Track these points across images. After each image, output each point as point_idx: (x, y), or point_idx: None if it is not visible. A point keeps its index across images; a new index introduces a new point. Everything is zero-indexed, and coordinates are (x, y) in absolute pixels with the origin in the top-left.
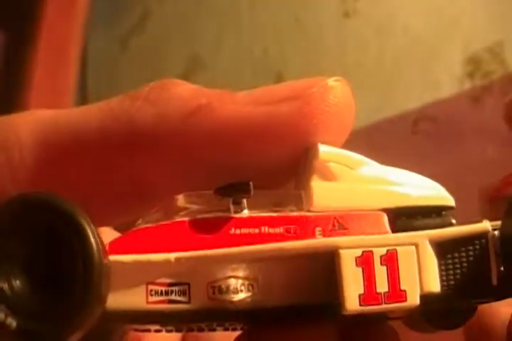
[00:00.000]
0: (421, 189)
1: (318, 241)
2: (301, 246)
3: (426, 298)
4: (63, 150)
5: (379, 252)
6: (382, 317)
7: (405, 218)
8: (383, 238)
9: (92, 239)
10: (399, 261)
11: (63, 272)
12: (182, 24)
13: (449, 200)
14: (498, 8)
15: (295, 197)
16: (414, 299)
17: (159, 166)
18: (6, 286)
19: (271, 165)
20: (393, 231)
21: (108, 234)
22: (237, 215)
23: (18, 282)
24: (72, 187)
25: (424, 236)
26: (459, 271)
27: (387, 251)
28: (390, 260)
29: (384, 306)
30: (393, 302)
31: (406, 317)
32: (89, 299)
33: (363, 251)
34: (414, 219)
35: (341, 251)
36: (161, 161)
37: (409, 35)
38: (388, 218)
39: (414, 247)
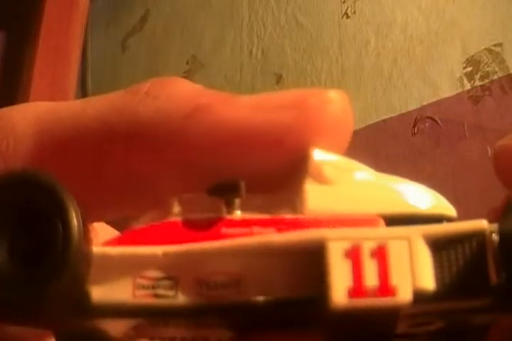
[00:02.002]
0: (421, 197)
1: (307, 232)
2: (290, 237)
3: (419, 295)
4: (60, 141)
5: (369, 245)
6: (387, 335)
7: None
8: (374, 231)
9: (74, 219)
10: (390, 255)
11: (44, 247)
12: (182, 24)
13: (450, 210)
14: (498, 8)
15: (289, 200)
16: (405, 295)
17: (156, 162)
18: None
19: (266, 170)
20: None
21: (101, 229)
22: (229, 216)
23: None
24: (67, 179)
25: (417, 231)
26: (455, 269)
27: (377, 244)
28: (381, 254)
29: (374, 301)
30: (383, 297)
31: (411, 337)
32: (63, 276)
33: (352, 244)
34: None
35: (329, 243)
36: (158, 157)
37: (409, 35)
38: (385, 225)
39: (406, 242)
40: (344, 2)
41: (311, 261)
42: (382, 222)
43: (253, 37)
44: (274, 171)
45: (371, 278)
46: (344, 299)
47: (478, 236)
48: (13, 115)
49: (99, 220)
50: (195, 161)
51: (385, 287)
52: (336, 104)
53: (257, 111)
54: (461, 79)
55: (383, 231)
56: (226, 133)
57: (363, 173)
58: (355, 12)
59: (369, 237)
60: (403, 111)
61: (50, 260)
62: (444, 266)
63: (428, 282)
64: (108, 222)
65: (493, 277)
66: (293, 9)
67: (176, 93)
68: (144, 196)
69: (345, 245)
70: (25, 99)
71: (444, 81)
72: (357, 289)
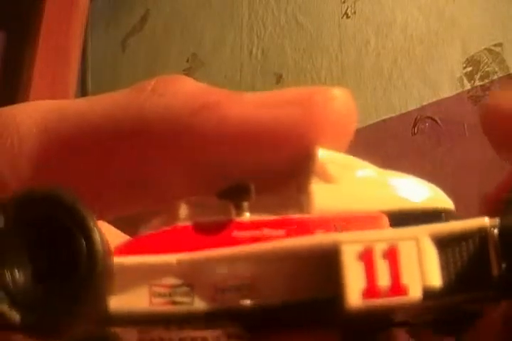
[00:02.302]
0: (420, 192)
1: (320, 237)
2: (303, 242)
3: (427, 292)
4: (65, 139)
5: (380, 247)
6: (387, 324)
7: (405, 221)
8: (384, 233)
9: (97, 236)
10: (400, 256)
11: (67, 266)
12: (182, 24)
13: (448, 203)
14: (498, 8)
15: (296, 200)
16: (416, 293)
17: (162, 159)
18: (8, 278)
19: (271, 168)
20: None
21: (102, 228)
22: (239, 218)
23: (21, 274)
24: (72, 177)
25: (424, 231)
26: (459, 265)
27: (388, 245)
28: (391, 254)
29: (386, 300)
30: (395, 296)
31: (409, 324)
32: (89, 294)
33: (364, 246)
34: (414, 222)
35: (342, 246)
36: (164, 154)
37: (409, 35)
38: (388, 221)
39: (415, 242)
40: (344, 2)
41: (325, 264)
42: (385, 218)
43: (253, 37)
44: (279, 169)
45: (383, 279)
46: (359, 300)
47: (481, 233)
48: (16, 114)
49: (103, 219)
50: (201, 159)
51: (396, 286)
52: (340, 101)
53: (263, 108)
54: (461, 79)
55: (393, 232)
56: (233, 129)
57: (365, 170)
58: (355, 12)
59: (380, 239)
60: (403, 111)
61: (77, 279)
62: (449, 262)
63: (435, 279)
64: (109, 221)
65: (495, 270)
66: (293, 9)
67: (182, 90)
68: (149, 194)
69: (358, 248)
70: (25, 99)
71: (444, 81)
72: (370, 290)
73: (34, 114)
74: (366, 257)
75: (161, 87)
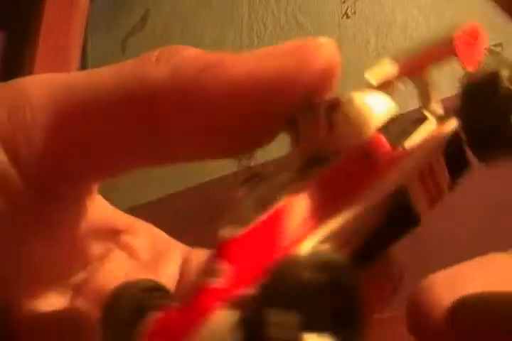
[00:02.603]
0: (390, 104)
1: (390, 184)
2: (381, 193)
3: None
4: (76, 108)
5: (425, 168)
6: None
7: (393, 128)
8: (421, 154)
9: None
10: (435, 170)
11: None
12: (182, 24)
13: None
14: (498, 8)
15: (324, 141)
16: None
17: (175, 122)
18: None
19: (276, 117)
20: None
21: (97, 202)
22: (314, 177)
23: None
24: (85, 144)
25: (438, 144)
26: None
27: (428, 165)
28: (431, 170)
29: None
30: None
31: None
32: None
33: (418, 176)
34: (397, 128)
35: (411, 187)
36: (177, 117)
37: (409, 35)
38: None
39: (437, 154)
40: (344, 2)
41: (394, 200)
42: (381, 136)
43: (253, 37)
44: (281, 116)
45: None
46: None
47: (456, 132)
48: (27, 86)
49: (113, 176)
50: (213, 116)
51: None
52: (327, 47)
53: (263, 61)
54: (461, 79)
55: (423, 155)
56: (239, 82)
57: (360, 98)
58: (355, 12)
59: (424, 163)
60: (403, 111)
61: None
62: (448, 157)
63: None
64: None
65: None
66: (293, 9)
67: (186, 55)
68: (159, 151)
69: (416, 177)
70: None
71: (444, 81)
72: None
73: (44, 85)
74: (423, 180)
75: (164, 55)
